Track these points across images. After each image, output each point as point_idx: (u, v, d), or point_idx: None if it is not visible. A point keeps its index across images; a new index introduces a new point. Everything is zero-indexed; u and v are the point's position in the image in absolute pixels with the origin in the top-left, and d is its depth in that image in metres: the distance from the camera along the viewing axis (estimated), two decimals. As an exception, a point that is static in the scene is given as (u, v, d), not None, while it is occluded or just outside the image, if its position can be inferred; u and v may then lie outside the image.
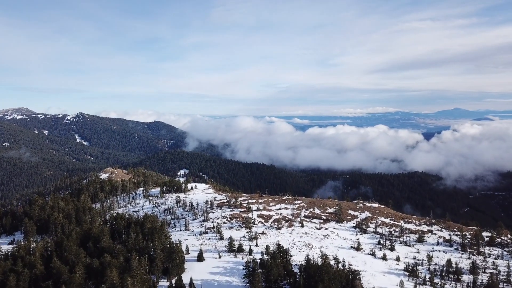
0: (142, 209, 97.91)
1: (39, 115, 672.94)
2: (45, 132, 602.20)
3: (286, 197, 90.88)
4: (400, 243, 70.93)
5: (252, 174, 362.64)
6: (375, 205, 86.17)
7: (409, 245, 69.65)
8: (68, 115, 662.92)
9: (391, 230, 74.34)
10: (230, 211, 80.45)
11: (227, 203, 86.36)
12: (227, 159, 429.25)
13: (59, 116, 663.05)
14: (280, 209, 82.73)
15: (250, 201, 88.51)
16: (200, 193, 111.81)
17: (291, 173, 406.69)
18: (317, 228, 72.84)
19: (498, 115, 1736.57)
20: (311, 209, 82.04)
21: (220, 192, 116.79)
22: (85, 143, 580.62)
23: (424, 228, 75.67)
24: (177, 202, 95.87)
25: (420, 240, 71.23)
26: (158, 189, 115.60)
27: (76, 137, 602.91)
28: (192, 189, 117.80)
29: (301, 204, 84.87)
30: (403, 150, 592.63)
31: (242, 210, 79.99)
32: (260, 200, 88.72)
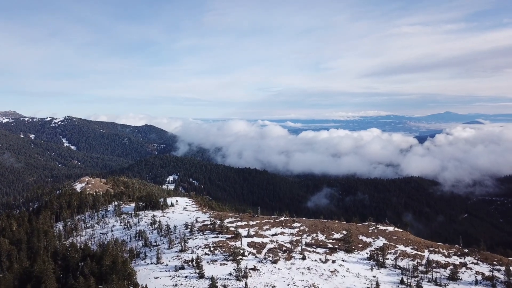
0: (112, 231, 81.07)
1: (26, 119, 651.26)
2: (32, 136, 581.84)
3: (282, 218, 74.45)
4: (429, 281, 55.75)
5: (244, 180, 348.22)
6: (390, 228, 70.00)
7: (440, 285, 54.62)
8: (56, 119, 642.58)
9: (415, 263, 58.91)
10: (214, 237, 64.46)
11: (211, 226, 69.73)
12: (218, 164, 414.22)
13: (46, 119, 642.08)
14: (276, 234, 66.39)
15: (239, 223, 72.00)
16: (181, 210, 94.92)
17: (285, 178, 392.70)
18: (322, 261, 57.78)
19: (488, 118, 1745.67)
20: (314, 235, 66.18)
21: (205, 209, 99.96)
22: (72, 147, 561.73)
23: (455, 260, 60.44)
24: (151, 224, 78.91)
25: (453, 277, 55.84)
26: (133, 204, 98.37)
27: (64, 141, 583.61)
28: (172, 205, 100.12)
29: (302, 228, 68.66)
30: (397, 154, 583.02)
31: (229, 236, 63.86)
32: (251, 222, 72.16)
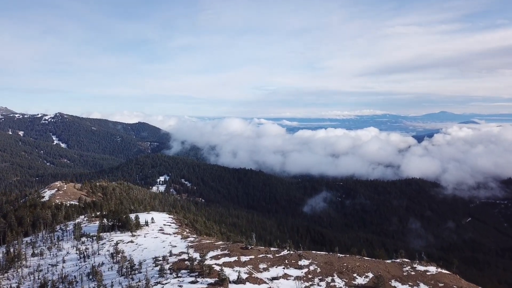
0: (63, 261, 60.89)
1: (16, 115, 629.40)
2: (20, 133, 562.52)
3: (286, 251, 54.75)
4: None
5: (239, 181, 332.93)
6: (432, 269, 49.58)
7: None
8: (47, 115, 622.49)
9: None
10: (192, 282, 45.20)
11: (188, 262, 50.86)
12: (212, 164, 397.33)
13: (37, 116, 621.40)
14: (277, 277, 45.90)
15: (226, 259, 51.82)
16: (156, 232, 74.05)
17: (281, 179, 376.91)
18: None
19: (483, 118, 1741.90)
20: (329, 279, 46.57)
21: (186, 231, 79.12)
22: (62, 145, 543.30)
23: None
24: (113, 255, 60.71)
25: None
26: (98, 222, 78.12)
27: (54, 138, 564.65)
28: (146, 224, 77.97)
29: (311, 268, 48.81)
30: (396, 154, 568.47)
31: (212, 281, 44.98)
32: (243, 258, 52.12)
